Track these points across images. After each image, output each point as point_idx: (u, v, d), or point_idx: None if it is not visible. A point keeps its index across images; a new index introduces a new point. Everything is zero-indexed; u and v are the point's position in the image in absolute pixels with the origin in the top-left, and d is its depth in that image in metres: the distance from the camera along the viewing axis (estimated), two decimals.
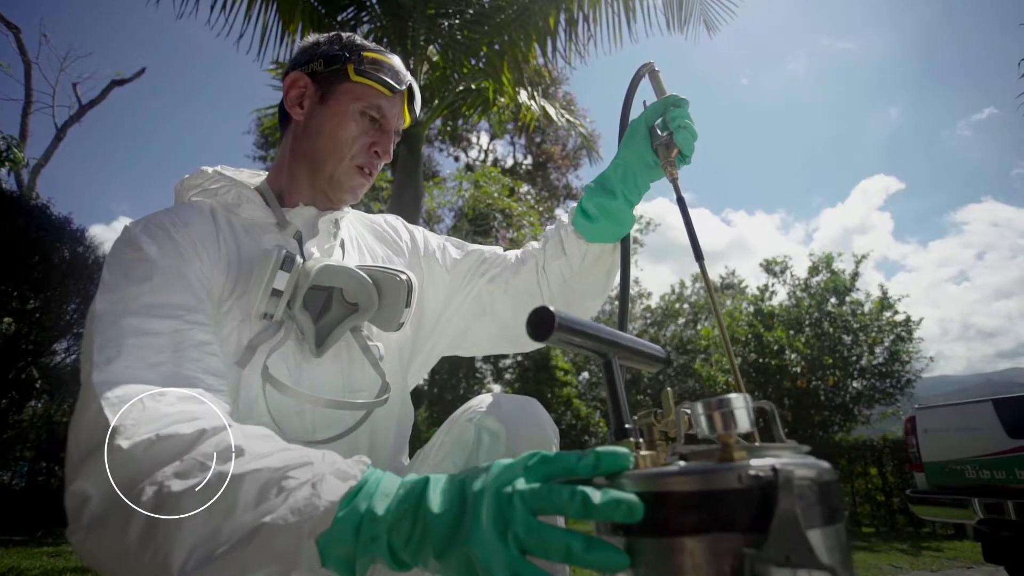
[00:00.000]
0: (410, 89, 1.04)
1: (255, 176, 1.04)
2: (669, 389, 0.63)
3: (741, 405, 0.44)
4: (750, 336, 10.68)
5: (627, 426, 0.52)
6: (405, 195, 4.73)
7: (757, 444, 0.47)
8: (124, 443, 0.59)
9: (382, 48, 1.04)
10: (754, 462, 0.41)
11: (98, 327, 0.72)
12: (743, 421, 0.44)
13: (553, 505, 0.43)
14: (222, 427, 0.61)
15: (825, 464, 0.45)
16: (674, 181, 0.91)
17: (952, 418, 3.93)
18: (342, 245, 1.03)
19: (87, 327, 0.74)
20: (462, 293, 1.12)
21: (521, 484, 0.45)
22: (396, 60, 1.03)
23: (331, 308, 0.93)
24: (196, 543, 0.53)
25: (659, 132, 0.96)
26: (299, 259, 0.86)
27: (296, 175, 1.00)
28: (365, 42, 1.04)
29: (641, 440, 0.52)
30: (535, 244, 1.12)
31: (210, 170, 0.99)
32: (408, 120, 1.07)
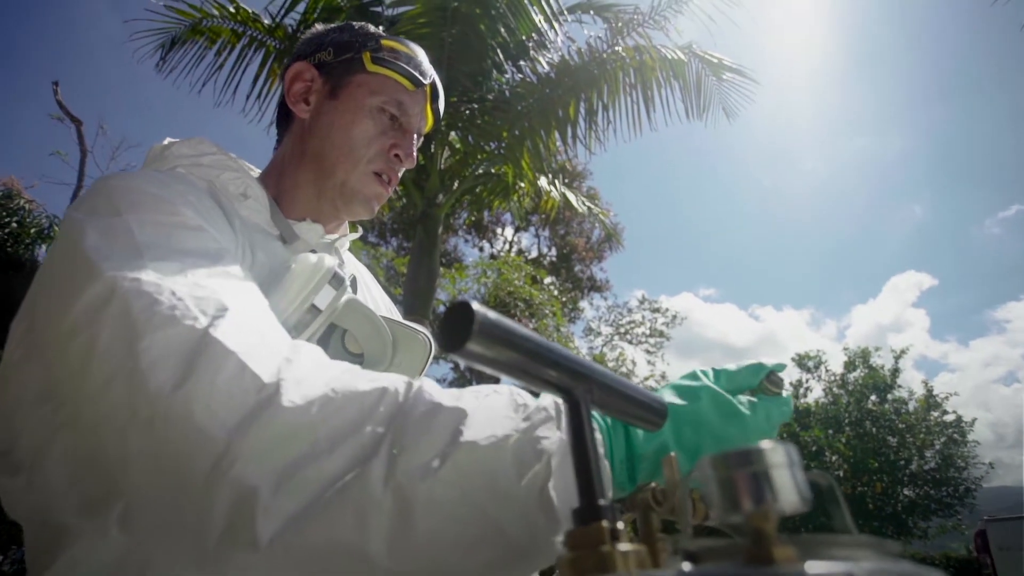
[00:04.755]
0: (434, 84, 0.89)
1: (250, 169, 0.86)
2: (674, 454, 0.44)
3: (782, 461, 0.26)
4: (784, 435, 10.04)
5: (600, 503, 0.32)
6: (420, 276, 4.66)
7: (811, 536, 0.27)
8: (296, 399, 0.43)
9: (400, 37, 0.89)
10: (812, 568, 0.22)
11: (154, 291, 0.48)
12: (787, 491, 0.25)
13: None
14: (406, 381, 0.48)
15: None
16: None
17: None
18: (352, 281, 0.85)
19: (117, 306, 0.48)
20: None
21: None
22: (419, 50, 0.87)
23: (326, 351, 0.76)
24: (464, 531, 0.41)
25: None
26: (346, 281, 0.71)
27: (300, 182, 0.83)
28: (378, 30, 0.89)
29: (622, 526, 0.32)
30: None
31: (212, 145, 0.80)
32: (431, 122, 0.91)
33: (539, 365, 0.34)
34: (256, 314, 0.53)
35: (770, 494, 0.25)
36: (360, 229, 0.95)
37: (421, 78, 0.85)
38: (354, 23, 0.89)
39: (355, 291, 0.84)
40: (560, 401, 0.48)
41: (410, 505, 0.40)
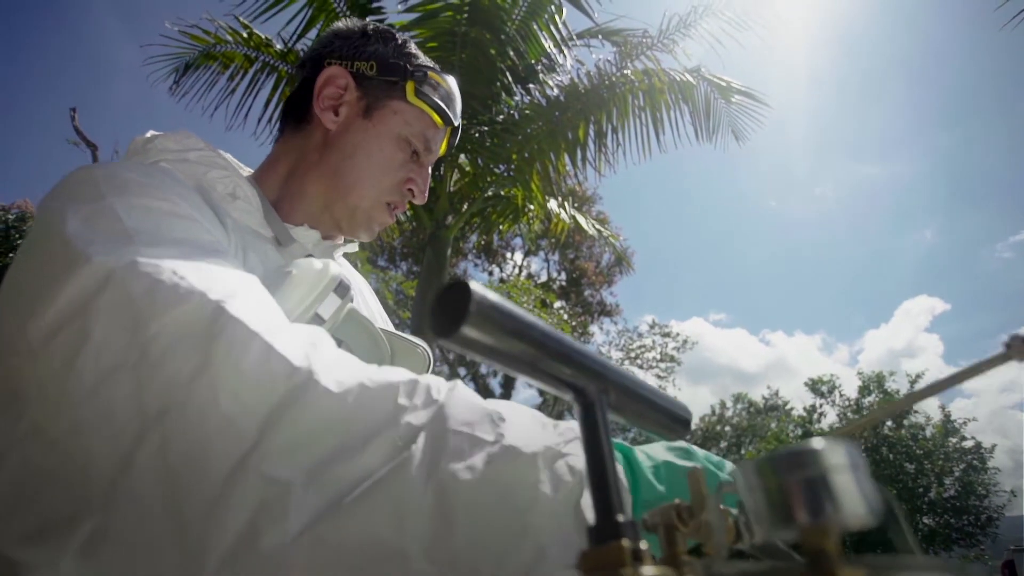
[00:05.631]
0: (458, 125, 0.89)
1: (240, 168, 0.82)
2: (698, 467, 0.39)
3: (843, 463, 0.21)
4: None
5: (620, 519, 0.28)
6: (429, 297, 4.63)
7: (880, 558, 0.23)
8: (332, 386, 0.41)
9: (442, 71, 0.87)
10: None
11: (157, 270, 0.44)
12: (852, 499, 0.21)
13: None
14: (438, 378, 0.46)
15: None
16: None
17: None
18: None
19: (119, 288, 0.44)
20: None
21: None
22: (454, 83, 0.86)
23: None
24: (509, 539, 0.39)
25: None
26: (351, 290, 0.68)
27: (308, 192, 0.80)
28: (420, 53, 0.87)
29: (646, 546, 0.28)
30: None
31: (198, 140, 0.75)
32: (441, 153, 0.90)
33: (547, 358, 0.29)
34: (265, 299, 0.50)
35: (830, 504, 0.20)
36: (357, 243, 0.92)
37: (452, 118, 0.84)
38: (396, 34, 0.86)
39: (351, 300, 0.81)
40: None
41: (452, 504, 0.38)
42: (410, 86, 0.81)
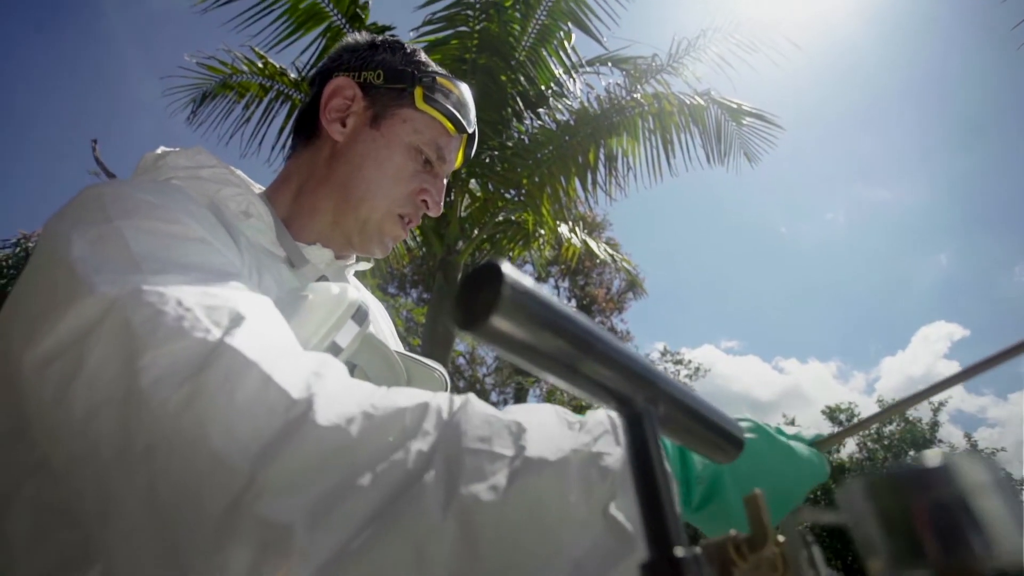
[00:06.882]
0: (473, 132, 0.86)
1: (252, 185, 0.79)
2: (759, 491, 0.34)
3: (986, 481, 0.17)
4: (818, 493, 9.55)
5: (679, 553, 0.23)
6: (439, 325, 4.60)
7: None
8: (332, 418, 0.37)
9: (452, 76, 0.84)
10: None
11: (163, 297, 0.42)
12: (1003, 528, 0.16)
13: None
14: (449, 396, 0.42)
15: None
16: None
17: None
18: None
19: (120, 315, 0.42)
20: None
21: None
22: (467, 93, 0.83)
23: None
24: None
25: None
26: (369, 316, 0.66)
27: (319, 208, 0.77)
28: (430, 60, 0.85)
29: None
30: None
31: (211, 156, 0.73)
32: (458, 164, 0.87)
33: (589, 359, 0.25)
34: (276, 326, 0.47)
35: (976, 535, 0.16)
36: (372, 260, 0.88)
37: (466, 125, 0.81)
38: (405, 44, 0.85)
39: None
40: (614, 415, 0.41)
41: (476, 530, 0.34)
42: (419, 92, 0.78)
